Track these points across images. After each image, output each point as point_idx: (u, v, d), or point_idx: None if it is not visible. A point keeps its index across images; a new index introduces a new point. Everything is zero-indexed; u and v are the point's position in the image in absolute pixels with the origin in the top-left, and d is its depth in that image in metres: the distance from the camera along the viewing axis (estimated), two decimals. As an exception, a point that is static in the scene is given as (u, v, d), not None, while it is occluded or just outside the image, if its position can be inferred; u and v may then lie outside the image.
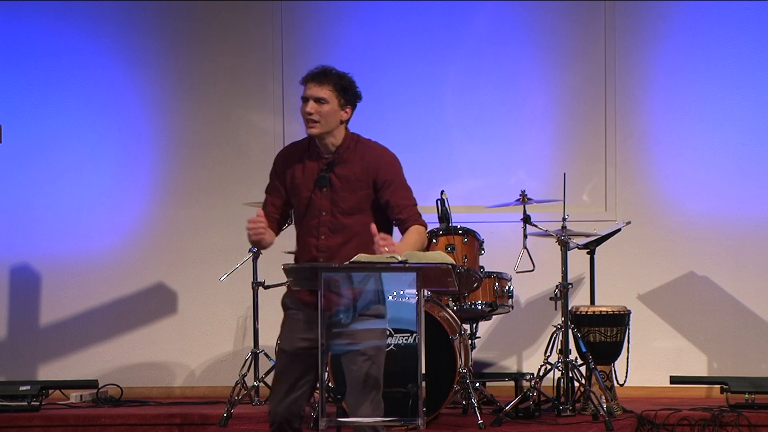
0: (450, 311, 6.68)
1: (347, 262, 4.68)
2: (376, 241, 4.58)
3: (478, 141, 8.16)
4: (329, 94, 4.76)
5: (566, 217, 6.93)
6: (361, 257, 4.90)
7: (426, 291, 6.33)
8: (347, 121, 4.86)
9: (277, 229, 4.99)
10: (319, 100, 4.75)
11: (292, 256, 6.98)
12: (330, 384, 5.63)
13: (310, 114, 4.74)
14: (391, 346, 6.10)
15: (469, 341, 6.93)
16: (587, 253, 7.19)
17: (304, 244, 4.86)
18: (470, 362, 6.70)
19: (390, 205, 4.75)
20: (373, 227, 4.61)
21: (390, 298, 6.13)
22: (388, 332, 4.79)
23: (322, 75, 4.79)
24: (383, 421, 4.84)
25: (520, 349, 8.07)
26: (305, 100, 4.77)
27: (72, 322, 8.30)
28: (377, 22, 8.23)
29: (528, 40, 8.12)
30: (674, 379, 7.35)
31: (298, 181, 4.82)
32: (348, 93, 4.82)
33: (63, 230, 8.30)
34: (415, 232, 4.76)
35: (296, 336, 4.82)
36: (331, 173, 4.77)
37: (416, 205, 4.84)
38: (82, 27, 8.35)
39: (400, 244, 4.69)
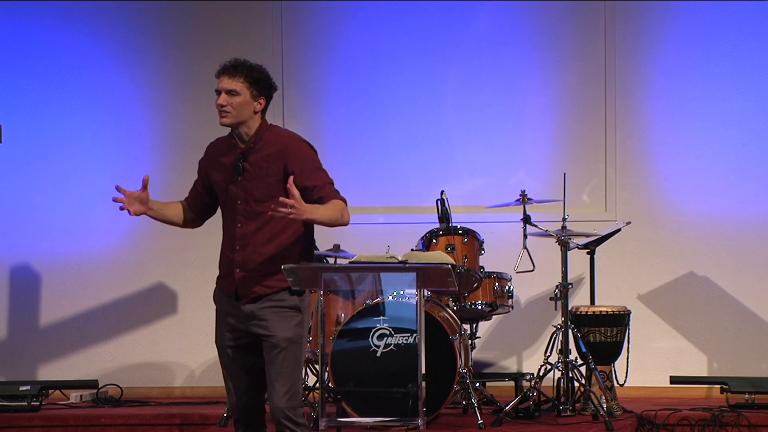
0: (450, 311, 6.68)
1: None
2: (278, 202, 4.58)
3: (478, 141, 8.16)
4: (240, 86, 4.90)
5: (566, 217, 6.93)
6: (362, 257, 4.90)
7: (426, 291, 6.34)
8: (262, 112, 4.94)
9: (197, 215, 5.15)
10: (230, 92, 4.90)
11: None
12: (330, 384, 5.64)
13: (222, 106, 4.90)
14: (391, 346, 6.10)
15: (469, 341, 6.93)
16: (587, 253, 7.19)
17: (225, 234, 4.98)
18: (470, 362, 6.69)
19: (306, 188, 4.75)
20: (291, 190, 4.59)
21: (390, 298, 6.16)
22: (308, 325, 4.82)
23: (233, 68, 4.96)
24: (383, 421, 4.85)
25: (520, 349, 8.07)
26: (218, 92, 4.88)
27: (72, 322, 8.30)
28: (377, 22, 8.23)
29: (528, 41, 8.12)
30: (674, 379, 7.35)
31: (218, 172, 4.96)
32: (260, 84, 4.93)
33: (63, 230, 8.30)
34: (331, 203, 4.74)
35: (224, 330, 4.90)
36: (244, 162, 4.83)
37: (333, 183, 4.84)
38: (82, 28, 8.35)
39: (312, 207, 4.66)
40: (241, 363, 4.87)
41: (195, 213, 5.13)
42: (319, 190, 4.76)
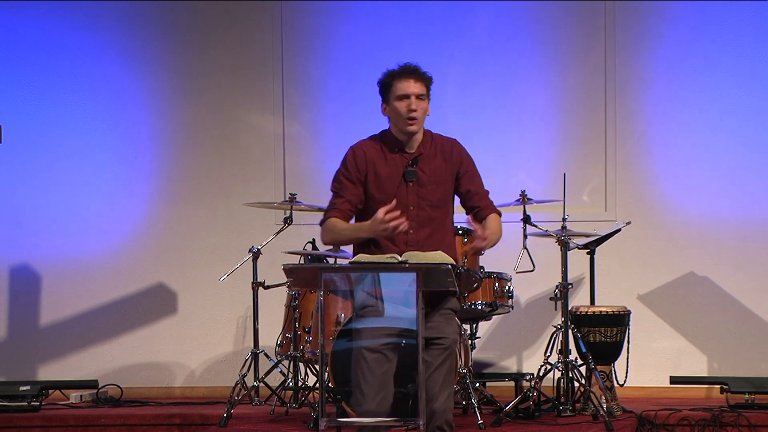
0: (450, 311, 6.67)
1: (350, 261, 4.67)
2: (478, 234, 4.68)
3: (478, 141, 8.13)
4: (424, 90, 4.85)
5: (566, 217, 6.93)
6: (362, 257, 4.90)
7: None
8: None
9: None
10: (420, 97, 4.81)
11: (292, 256, 7.02)
12: (330, 384, 5.63)
13: (415, 111, 4.79)
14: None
15: (469, 341, 6.92)
16: (587, 253, 7.19)
17: (391, 239, 4.88)
18: (470, 362, 6.69)
19: (470, 192, 4.83)
20: (469, 219, 4.73)
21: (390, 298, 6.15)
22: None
23: (419, 71, 4.93)
24: (383, 421, 4.84)
25: (520, 349, 8.07)
26: (405, 96, 4.79)
27: (72, 322, 8.30)
28: (377, 22, 8.23)
29: (528, 41, 8.12)
30: (674, 379, 7.35)
31: (383, 177, 4.86)
32: (430, 90, 4.89)
33: (63, 230, 8.30)
34: (496, 220, 4.91)
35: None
36: (416, 167, 4.82)
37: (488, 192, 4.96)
38: (82, 27, 8.34)
39: (490, 233, 4.83)
40: (390, 366, 4.81)
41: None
42: (481, 198, 4.94)
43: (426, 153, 4.85)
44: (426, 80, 4.87)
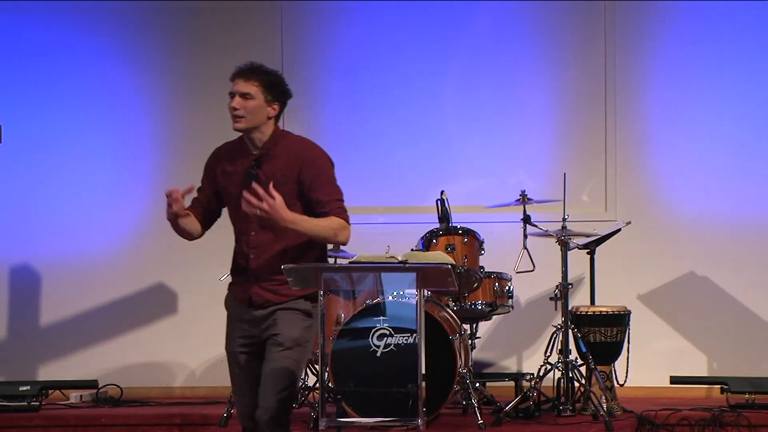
0: (450, 311, 6.68)
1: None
2: (247, 198, 4.56)
3: (479, 141, 8.16)
4: (255, 89, 4.78)
5: (566, 217, 6.93)
6: (362, 257, 4.90)
7: (426, 291, 6.33)
8: (276, 118, 4.83)
9: (203, 225, 5.01)
10: (244, 96, 4.77)
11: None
12: (330, 384, 5.64)
13: (236, 109, 4.77)
14: (391, 346, 6.10)
15: (469, 341, 6.93)
16: (587, 253, 7.19)
17: (237, 241, 4.87)
18: (470, 362, 6.69)
19: (313, 200, 4.69)
20: (271, 189, 4.57)
21: (390, 298, 6.16)
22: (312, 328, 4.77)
23: (248, 71, 4.83)
24: (383, 421, 4.84)
25: (520, 349, 8.07)
26: (231, 95, 4.79)
27: (72, 322, 8.30)
28: (377, 21, 8.23)
29: (528, 40, 8.13)
30: (674, 379, 7.35)
31: (228, 178, 4.84)
32: (275, 89, 4.81)
33: (63, 230, 8.31)
34: (328, 219, 4.67)
35: (236, 335, 4.80)
36: (258, 169, 4.76)
37: (341, 200, 4.75)
38: (82, 26, 8.35)
39: (299, 217, 4.62)
40: (252, 369, 4.77)
41: (202, 223, 5.00)
42: (325, 204, 4.69)
43: (267, 154, 4.78)
44: (256, 79, 4.79)
